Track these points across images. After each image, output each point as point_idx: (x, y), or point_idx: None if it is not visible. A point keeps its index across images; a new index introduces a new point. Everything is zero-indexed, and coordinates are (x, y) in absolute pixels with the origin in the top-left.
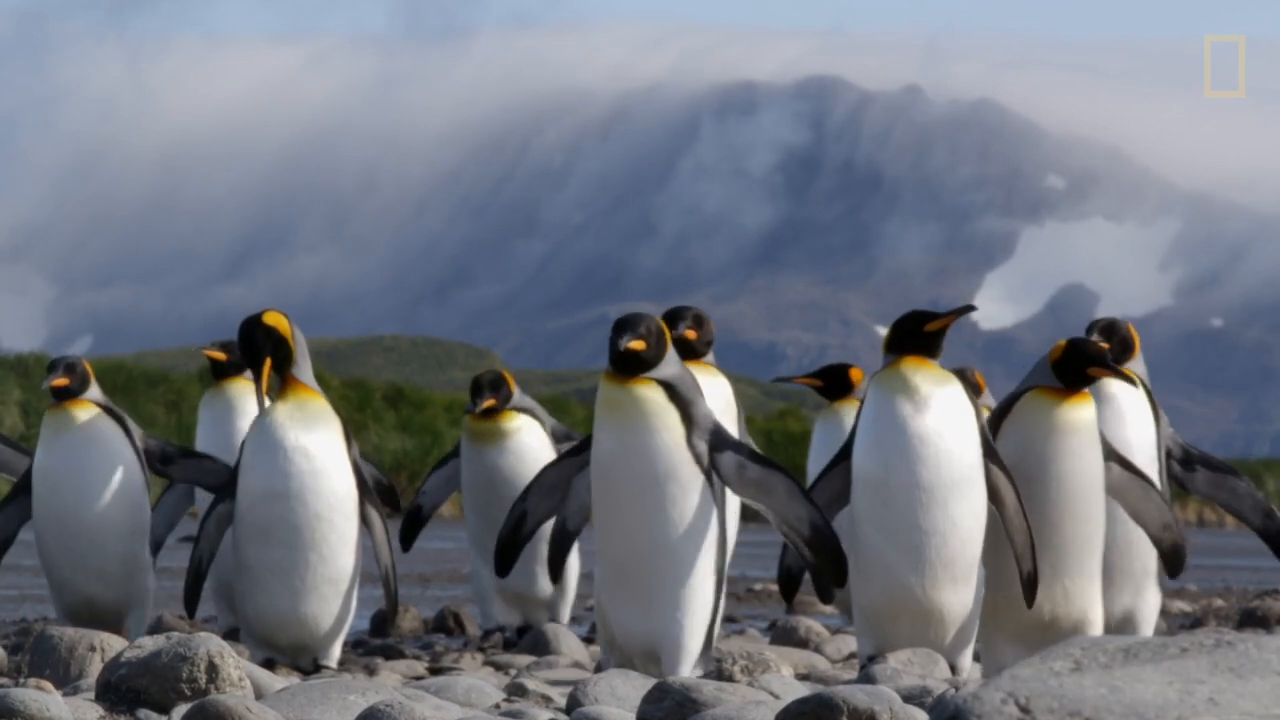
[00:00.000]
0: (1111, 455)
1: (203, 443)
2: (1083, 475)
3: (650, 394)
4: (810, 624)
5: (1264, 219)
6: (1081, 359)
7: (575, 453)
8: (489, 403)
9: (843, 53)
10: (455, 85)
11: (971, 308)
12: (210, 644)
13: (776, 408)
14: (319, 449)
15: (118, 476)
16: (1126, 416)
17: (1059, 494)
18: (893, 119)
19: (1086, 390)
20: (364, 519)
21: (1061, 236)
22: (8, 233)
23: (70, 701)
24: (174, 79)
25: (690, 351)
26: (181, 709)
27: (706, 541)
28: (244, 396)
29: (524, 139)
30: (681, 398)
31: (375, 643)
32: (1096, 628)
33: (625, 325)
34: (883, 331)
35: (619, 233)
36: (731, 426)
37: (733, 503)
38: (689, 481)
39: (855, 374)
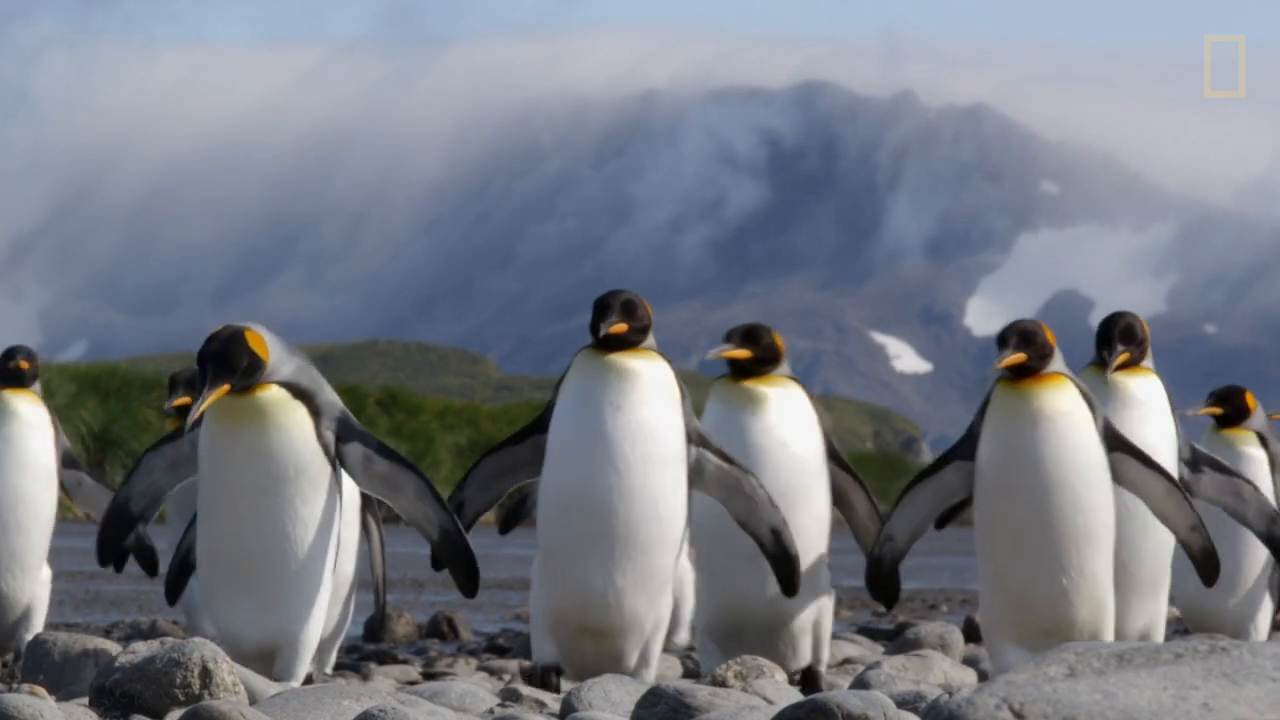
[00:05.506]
0: (1124, 448)
1: None
2: (1061, 464)
3: (273, 395)
4: None
5: (1259, 225)
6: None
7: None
8: None
9: (836, 59)
10: (444, 94)
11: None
12: (204, 649)
13: None
14: None
15: None
16: (1150, 416)
17: (1033, 483)
18: (887, 125)
19: (1058, 374)
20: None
21: (1056, 242)
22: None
23: (64, 707)
24: (147, 85)
25: (624, 343)
26: (175, 714)
27: (330, 535)
28: (17, 407)
29: (519, 147)
30: (303, 390)
31: (369, 648)
32: (1105, 636)
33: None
34: (878, 337)
35: (614, 239)
36: (676, 409)
37: None
38: (318, 475)
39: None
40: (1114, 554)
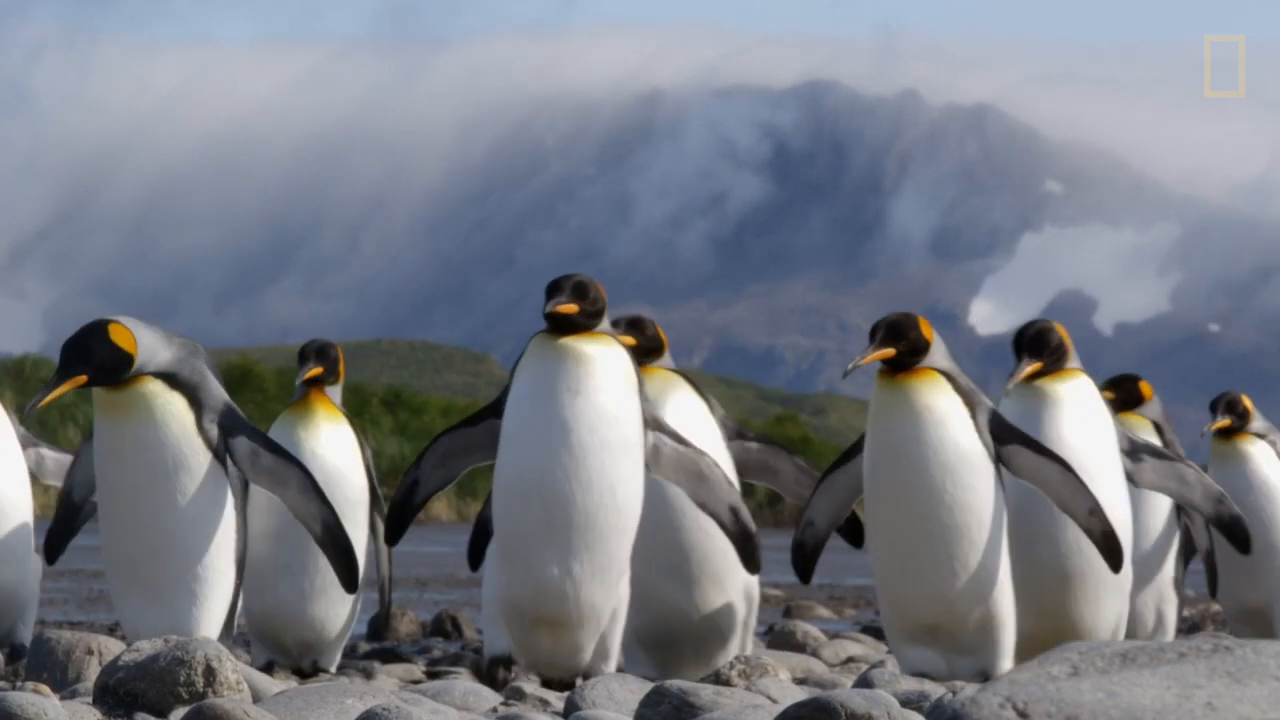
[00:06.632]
0: (1016, 439)
1: None
2: (925, 459)
3: (149, 387)
4: (807, 628)
5: (1261, 225)
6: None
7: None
8: None
9: (840, 58)
10: (445, 94)
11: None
12: (208, 648)
13: (774, 412)
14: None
15: None
16: (1082, 417)
17: (900, 479)
18: (891, 124)
19: (931, 368)
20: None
21: (1060, 241)
22: (4, 239)
23: (68, 705)
24: (147, 84)
25: (578, 326)
26: (179, 712)
27: (223, 529)
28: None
29: (521, 148)
30: (184, 382)
31: (373, 646)
32: (992, 637)
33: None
34: None
35: (616, 240)
36: (632, 395)
37: None
38: (199, 469)
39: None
40: (1076, 552)
